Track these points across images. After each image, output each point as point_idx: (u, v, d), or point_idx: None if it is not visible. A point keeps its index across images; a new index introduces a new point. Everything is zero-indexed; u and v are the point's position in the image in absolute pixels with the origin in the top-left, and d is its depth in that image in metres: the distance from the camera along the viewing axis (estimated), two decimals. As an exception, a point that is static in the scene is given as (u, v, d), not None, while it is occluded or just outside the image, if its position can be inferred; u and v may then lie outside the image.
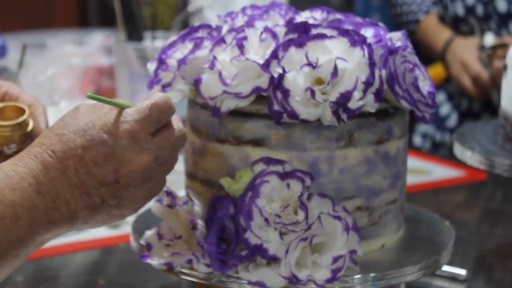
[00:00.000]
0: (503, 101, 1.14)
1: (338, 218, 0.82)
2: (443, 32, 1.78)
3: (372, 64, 0.82)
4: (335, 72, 0.81)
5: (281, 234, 0.80)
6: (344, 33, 0.84)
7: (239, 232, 0.81)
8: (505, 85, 1.14)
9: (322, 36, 0.83)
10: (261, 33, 0.86)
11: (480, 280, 1.06)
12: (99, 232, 1.18)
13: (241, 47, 0.85)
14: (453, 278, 1.03)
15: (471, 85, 1.69)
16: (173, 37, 0.95)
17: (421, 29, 1.83)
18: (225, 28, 0.91)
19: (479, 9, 1.70)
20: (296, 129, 0.84)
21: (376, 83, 0.83)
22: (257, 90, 0.82)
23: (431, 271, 0.89)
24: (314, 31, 0.84)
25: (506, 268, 1.11)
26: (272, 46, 0.84)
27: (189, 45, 0.91)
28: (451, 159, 1.50)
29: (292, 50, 0.83)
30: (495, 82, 1.66)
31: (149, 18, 1.84)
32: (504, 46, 1.65)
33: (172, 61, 0.91)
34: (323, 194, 0.82)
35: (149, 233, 0.88)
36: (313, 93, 0.80)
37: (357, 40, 0.83)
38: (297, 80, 0.81)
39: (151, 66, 0.94)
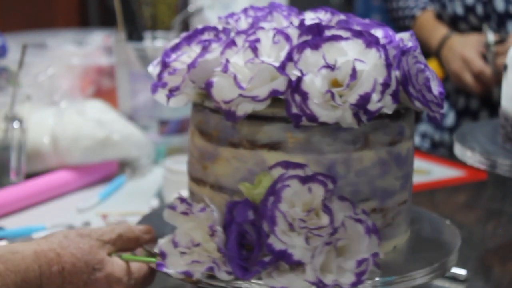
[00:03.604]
0: (503, 101, 1.14)
1: (359, 221, 0.81)
2: (439, 29, 1.77)
3: (389, 65, 0.81)
4: (353, 74, 0.80)
5: (307, 239, 0.79)
6: (358, 34, 0.83)
7: (261, 238, 0.80)
8: (505, 85, 1.14)
9: (337, 38, 0.82)
10: (274, 35, 0.84)
11: (480, 280, 1.06)
12: (99, 232, 1.18)
13: (254, 49, 0.83)
14: (453, 278, 1.03)
15: (473, 82, 1.68)
16: (176, 40, 0.93)
17: (417, 24, 1.83)
18: (233, 30, 0.89)
19: (479, 9, 1.70)
20: (313, 132, 0.83)
21: (393, 84, 0.82)
22: (274, 93, 0.81)
23: (443, 273, 0.89)
24: (327, 33, 0.83)
25: (506, 268, 1.11)
26: (286, 48, 0.83)
27: (195, 48, 0.90)
28: (451, 159, 1.50)
29: (308, 52, 0.81)
30: (498, 79, 1.65)
31: (149, 18, 1.84)
32: (502, 42, 1.65)
33: (177, 64, 0.90)
34: (342, 197, 0.82)
35: (163, 241, 0.87)
36: (333, 95, 0.80)
37: (372, 41, 0.82)
38: (314, 82, 0.80)
39: (154, 70, 0.92)
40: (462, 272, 1.03)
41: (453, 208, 1.38)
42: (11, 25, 2.83)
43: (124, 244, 0.89)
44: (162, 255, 0.85)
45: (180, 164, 1.28)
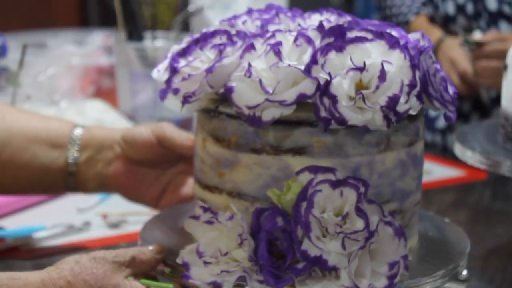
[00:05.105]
0: (503, 101, 1.14)
1: (388, 223, 0.81)
2: (433, 32, 1.77)
3: (413, 65, 0.81)
4: (382, 75, 0.79)
5: (343, 244, 0.78)
6: (379, 35, 0.82)
7: (294, 245, 0.79)
8: (505, 85, 1.14)
9: (362, 39, 0.81)
10: (296, 38, 0.83)
11: (480, 280, 1.06)
12: (99, 232, 1.18)
13: (278, 53, 0.82)
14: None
15: (459, 82, 1.67)
16: (182, 44, 0.90)
17: (411, 30, 1.82)
18: (249, 34, 0.87)
19: (470, 8, 1.69)
20: (339, 135, 0.82)
21: (418, 85, 0.81)
22: (301, 97, 0.79)
23: (456, 275, 0.89)
24: (349, 35, 0.82)
25: (506, 268, 1.11)
26: (309, 51, 0.82)
27: (208, 53, 0.87)
28: (451, 159, 1.50)
29: (332, 54, 0.80)
30: (479, 80, 1.64)
31: (149, 18, 1.84)
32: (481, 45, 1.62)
33: (189, 70, 0.87)
34: (370, 200, 0.81)
35: (185, 252, 0.84)
36: (363, 98, 0.79)
37: (394, 42, 0.82)
38: (342, 85, 0.79)
39: (161, 75, 0.89)
40: (462, 272, 1.03)
41: (453, 207, 1.38)
42: (11, 25, 2.83)
43: (137, 267, 0.85)
44: (185, 266, 0.83)
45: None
